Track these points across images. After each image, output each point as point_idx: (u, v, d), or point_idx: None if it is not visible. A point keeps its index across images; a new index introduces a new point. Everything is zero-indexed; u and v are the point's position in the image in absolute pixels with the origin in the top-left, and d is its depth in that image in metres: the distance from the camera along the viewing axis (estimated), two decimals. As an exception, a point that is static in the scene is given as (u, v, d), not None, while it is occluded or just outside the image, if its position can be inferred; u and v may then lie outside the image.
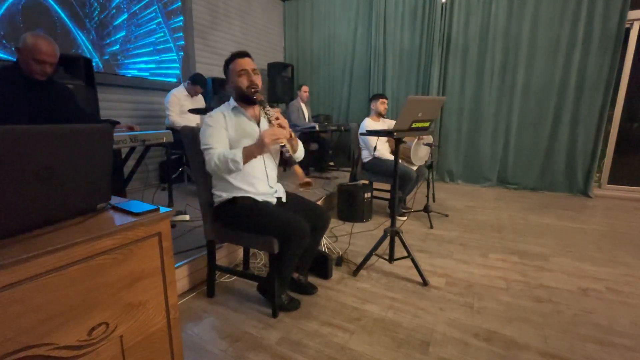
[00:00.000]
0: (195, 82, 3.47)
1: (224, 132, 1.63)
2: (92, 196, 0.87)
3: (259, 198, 1.70)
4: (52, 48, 1.80)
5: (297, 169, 1.54)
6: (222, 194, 1.69)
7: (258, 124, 1.73)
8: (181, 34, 4.08)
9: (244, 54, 1.66)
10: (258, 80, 1.66)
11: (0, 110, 1.73)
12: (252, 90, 1.62)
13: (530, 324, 1.61)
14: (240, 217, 1.67)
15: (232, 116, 1.67)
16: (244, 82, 1.63)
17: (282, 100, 5.23)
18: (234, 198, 1.67)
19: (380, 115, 3.33)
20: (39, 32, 1.83)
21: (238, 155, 1.53)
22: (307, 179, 1.53)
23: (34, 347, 0.66)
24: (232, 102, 1.71)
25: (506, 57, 4.32)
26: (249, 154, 1.55)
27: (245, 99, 1.67)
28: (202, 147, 1.61)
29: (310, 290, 1.88)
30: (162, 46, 3.87)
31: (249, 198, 1.68)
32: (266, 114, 1.61)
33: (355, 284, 2.00)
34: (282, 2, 5.97)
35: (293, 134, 1.66)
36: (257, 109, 1.75)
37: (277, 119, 1.59)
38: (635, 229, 3.00)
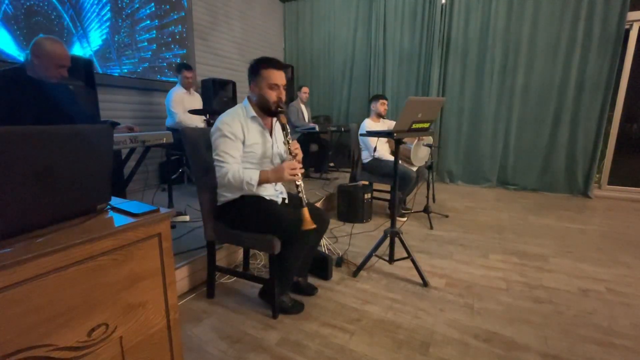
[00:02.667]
0: (180, 69, 3.49)
1: (240, 146, 1.60)
2: (92, 197, 0.87)
3: (266, 197, 1.72)
4: (67, 52, 1.83)
5: (305, 212, 1.52)
6: (227, 195, 1.69)
7: (270, 134, 1.72)
8: (182, 35, 4.08)
9: (281, 66, 1.63)
10: (284, 97, 1.65)
11: (7, 112, 1.72)
12: (279, 108, 1.61)
13: (531, 325, 1.61)
14: (246, 214, 1.67)
15: (249, 124, 1.65)
16: (273, 97, 1.60)
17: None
18: (242, 197, 1.67)
19: (380, 116, 3.33)
20: (51, 35, 1.83)
21: (254, 178, 1.54)
22: (312, 225, 1.52)
23: (34, 348, 0.66)
24: (250, 110, 1.65)
25: (506, 57, 4.32)
26: (265, 180, 1.57)
27: (267, 112, 1.64)
28: (216, 156, 1.58)
29: (310, 291, 1.88)
30: (162, 47, 3.87)
31: (256, 196, 1.69)
32: (287, 142, 1.58)
33: (355, 284, 2.00)
34: (282, 3, 5.98)
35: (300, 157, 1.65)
36: (271, 119, 1.73)
37: (297, 148, 1.59)
38: (635, 229, 3.00)
